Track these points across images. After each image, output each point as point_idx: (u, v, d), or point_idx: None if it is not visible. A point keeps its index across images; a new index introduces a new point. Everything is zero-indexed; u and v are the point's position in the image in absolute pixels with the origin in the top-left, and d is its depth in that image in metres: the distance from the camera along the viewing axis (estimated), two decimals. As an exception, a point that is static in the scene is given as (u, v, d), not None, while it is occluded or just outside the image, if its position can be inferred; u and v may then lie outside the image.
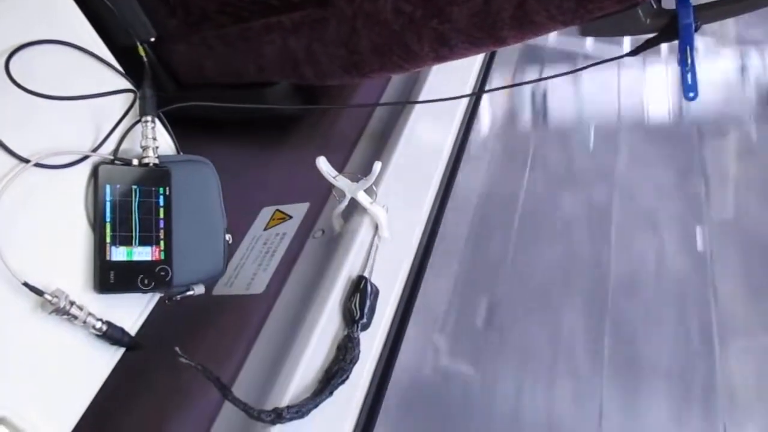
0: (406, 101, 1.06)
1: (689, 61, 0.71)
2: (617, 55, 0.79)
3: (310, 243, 0.87)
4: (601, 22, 0.74)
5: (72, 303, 0.57)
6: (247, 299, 0.82)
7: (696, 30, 0.71)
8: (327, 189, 0.80)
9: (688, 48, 0.71)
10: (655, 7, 0.73)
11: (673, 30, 0.72)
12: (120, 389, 0.63)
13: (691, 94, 0.72)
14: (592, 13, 0.74)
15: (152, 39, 0.97)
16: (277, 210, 0.96)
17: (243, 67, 1.05)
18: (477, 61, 1.13)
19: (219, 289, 0.84)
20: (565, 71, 0.86)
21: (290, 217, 0.94)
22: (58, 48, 0.62)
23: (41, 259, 0.57)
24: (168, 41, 1.05)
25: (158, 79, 1.08)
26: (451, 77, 1.07)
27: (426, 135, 0.98)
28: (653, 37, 0.74)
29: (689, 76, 0.72)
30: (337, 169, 0.78)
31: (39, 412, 0.56)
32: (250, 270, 0.87)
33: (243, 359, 0.72)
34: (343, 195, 0.79)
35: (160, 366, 0.68)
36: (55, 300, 0.55)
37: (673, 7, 0.72)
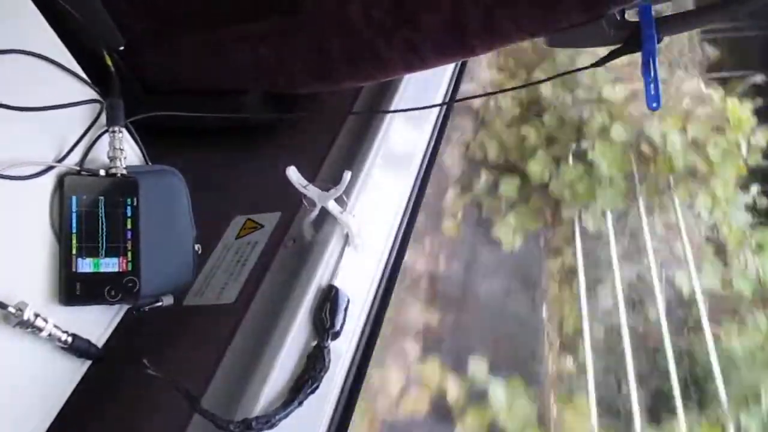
0: (378, 110, 1.07)
1: (652, 72, 0.73)
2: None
3: (281, 252, 0.87)
4: (567, 33, 0.75)
5: (37, 315, 0.56)
6: (217, 309, 0.81)
7: (658, 42, 0.73)
8: (299, 198, 0.80)
9: (650, 59, 0.73)
10: (618, 18, 0.75)
11: (636, 41, 0.74)
12: (86, 402, 0.62)
13: (654, 104, 0.74)
14: (559, 24, 0.75)
15: (121, 47, 0.96)
16: (249, 219, 0.95)
17: (214, 75, 1.04)
18: (448, 70, 1.14)
19: (190, 299, 0.84)
20: (542, 79, 0.87)
21: (262, 226, 0.93)
22: (22, 58, 0.61)
23: (4, 272, 0.56)
24: (138, 47, 1.04)
25: (128, 86, 1.06)
26: (423, 86, 1.08)
27: (397, 144, 0.98)
28: (617, 49, 0.75)
29: (652, 86, 0.73)
30: (308, 179, 0.78)
31: (3, 427, 0.55)
32: (221, 279, 0.86)
33: (213, 370, 0.72)
34: (313, 204, 0.79)
35: (128, 378, 0.68)
36: (18, 313, 0.54)
37: (637, 19, 0.74)
